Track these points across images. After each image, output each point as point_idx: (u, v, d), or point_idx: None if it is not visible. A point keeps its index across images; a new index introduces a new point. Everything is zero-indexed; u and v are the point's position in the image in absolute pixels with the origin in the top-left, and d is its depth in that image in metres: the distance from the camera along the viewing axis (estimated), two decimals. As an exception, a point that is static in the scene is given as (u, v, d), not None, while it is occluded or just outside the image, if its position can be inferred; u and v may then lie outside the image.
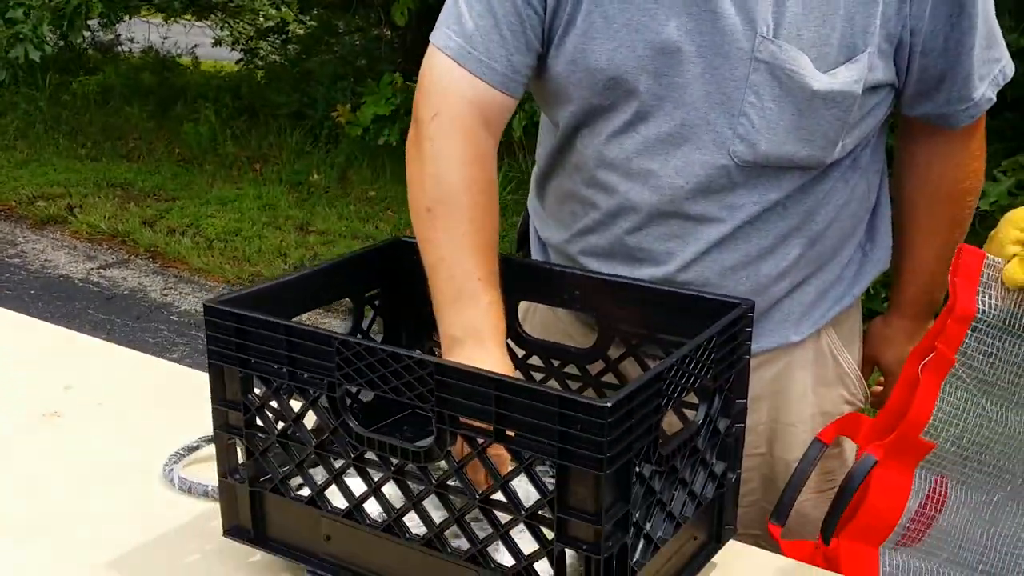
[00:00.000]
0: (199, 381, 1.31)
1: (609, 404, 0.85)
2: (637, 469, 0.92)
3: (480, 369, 0.93)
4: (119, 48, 11.36)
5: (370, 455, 1.02)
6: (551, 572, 0.93)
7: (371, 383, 0.98)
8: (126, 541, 1.20)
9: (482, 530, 0.97)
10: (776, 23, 1.19)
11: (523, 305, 1.39)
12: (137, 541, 1.20)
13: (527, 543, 0.94)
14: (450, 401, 0.93)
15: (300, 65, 9.85)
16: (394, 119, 6.61)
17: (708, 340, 1.01)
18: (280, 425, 1.08)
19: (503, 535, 0.95)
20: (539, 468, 0.94)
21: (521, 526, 0.94)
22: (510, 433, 0.91)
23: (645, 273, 1.31)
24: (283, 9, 11.77)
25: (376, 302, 1.32)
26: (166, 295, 4.79)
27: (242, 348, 1.06)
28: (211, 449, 1.15)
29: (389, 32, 8.11)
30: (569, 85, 1.28)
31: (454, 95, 1.25)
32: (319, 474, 1.09)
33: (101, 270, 5.09)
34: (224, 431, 1.11)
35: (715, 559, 1.14)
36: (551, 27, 1.26)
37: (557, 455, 0.88)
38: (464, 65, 1.25)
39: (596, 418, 0.85)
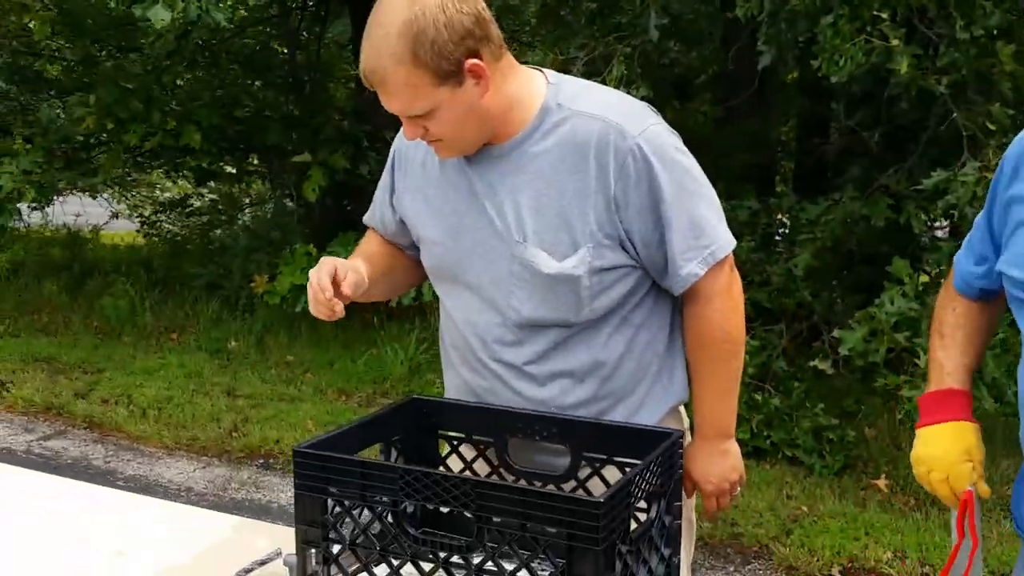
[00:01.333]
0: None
1: (601, 500, 1.29)
2: (618, 548, 1.35)
3: (507, 484, 1.36)
4: (19, 223, 11.59)
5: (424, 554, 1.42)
6: (562, 623, 1.34)
7: (426, 498, 1.40)
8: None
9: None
10: (524, 233, 1.73)
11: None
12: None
13: (542, 606, 1.35)
14: (486, 507, 1.36)
15: (208, 237, 10.29)
16: (311, 287, 7.03)
17: (656, 458, 1.47)
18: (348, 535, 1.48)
19: (526, 600, 1.36)
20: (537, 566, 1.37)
21: (539, 593, 1.35)
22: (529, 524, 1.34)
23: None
24: (179, 183, 12.25)
25: (399, 444, 1.74)
26: (109, 463, 5.03)
27: (325, 481, 1.47)
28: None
29: (298, 206, 8.63)
30: None
31: None
32: (380, 572, 1.48)
33: (42, 441, 5.30)
34: (305, 544, 1.50)
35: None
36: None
37: (566, 538, 1.31)
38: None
39: (593, 509, 1.29)
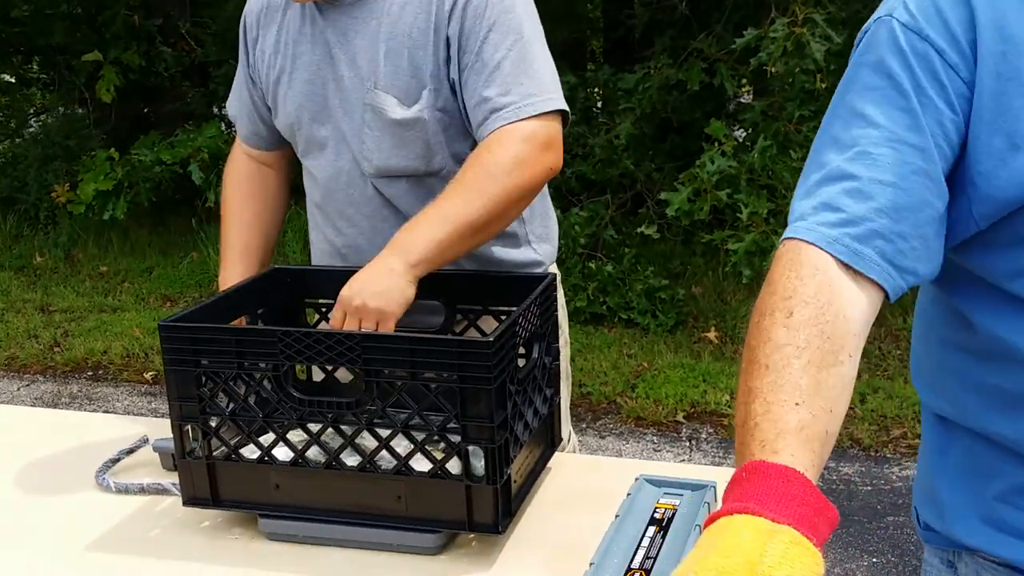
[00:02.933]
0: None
1: (491, 339, 1.28)
2: (507, 388, 1.35)
3: (394, 335, 1.33)
4: None
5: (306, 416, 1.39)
6: (460, 466, 1.34)
7: (309, 358, 1.36)
8: (89, 535, 1.48)
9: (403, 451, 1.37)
10: (375, 79, 1.69)
11: None
12: (99, 531, 1.49)
13: (437, 454, 1.35)
14: (374, 360, 1.33)
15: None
16: (118, 193, 6.68)
17: (533, 301, 1.47)
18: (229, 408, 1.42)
19: (421, 448, 1.35)
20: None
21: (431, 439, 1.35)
22: (421, 372, 1.32)
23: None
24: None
25: (264, 316, 1.68)
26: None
27: (196, 353, 1.40)
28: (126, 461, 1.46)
29: (92, 110, 8.10)
30: None
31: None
32: (263, 442, 1.44)
33: None
34: (181, 421, 1.44)
35: (550, 463, 1.59)
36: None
37: (458, 381, 1.30)
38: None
39: (485, 350, 1.28)
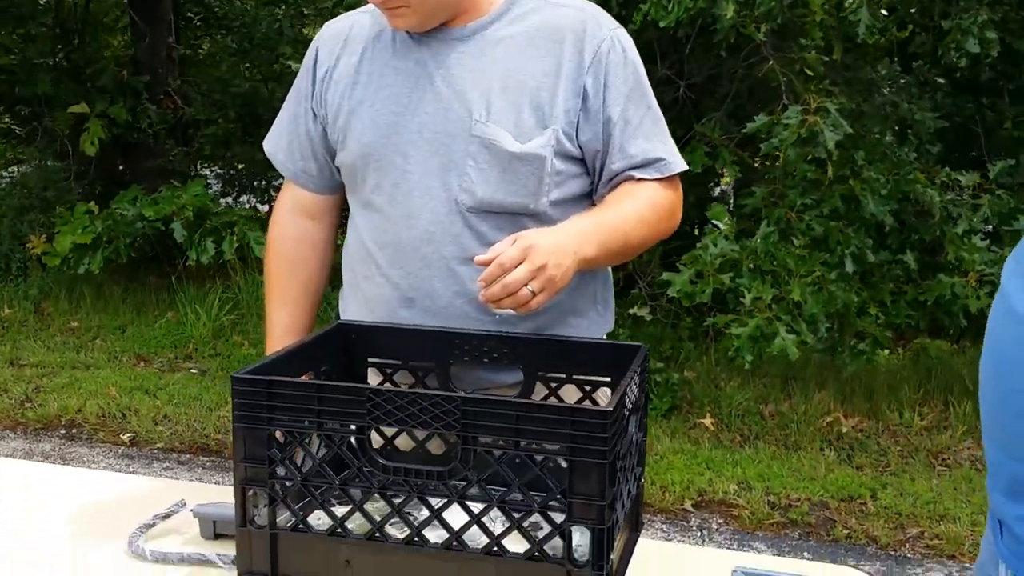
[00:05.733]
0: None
1: (609, 409, 1.17)
2: (618, 464, 1.24)
3: (497, 398, 1.22)
4: None
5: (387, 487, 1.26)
6: (561, 548, 1.22)
7: (401, 421, 1.24)
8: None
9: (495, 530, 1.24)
10: (487, 112, 1.63)
11: None
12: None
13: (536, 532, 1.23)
14: (473, 426, 1.21)
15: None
16: (96, 247, 6.50)
17: (633, 373, 1.37)
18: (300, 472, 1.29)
19: (519, 526, 1.23)
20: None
21: (532, 517, 1.22)
22: (525, 442, 1.20)
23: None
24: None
25: (326, 375, 1.55)
26: None
27: (271, 409, 1.28)
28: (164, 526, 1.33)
29: (72, 162, 7.94)
30: None
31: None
32: (339, 512, 1.30)
33: None
34: (246, 484, 1.30)
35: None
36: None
37: (569, 453, 1.18)
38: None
39: (601, 420, 1.17)
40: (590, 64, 1.64)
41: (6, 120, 9.21)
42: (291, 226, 1.88)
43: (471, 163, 1.64)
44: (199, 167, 8.76)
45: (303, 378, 1.47)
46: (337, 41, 1.76)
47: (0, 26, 8.46)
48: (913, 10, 5.77)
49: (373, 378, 1.64)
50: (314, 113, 1.78)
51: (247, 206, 8.23)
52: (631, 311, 5.49)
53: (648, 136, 1.69)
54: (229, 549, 1.40)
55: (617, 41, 1.68)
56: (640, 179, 1.68)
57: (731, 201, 7.03)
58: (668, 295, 4.73)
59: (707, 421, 4.72)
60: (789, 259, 4.66)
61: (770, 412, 4.84)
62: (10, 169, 9.11)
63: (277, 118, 1.86)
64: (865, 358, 4.66)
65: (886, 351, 5.22)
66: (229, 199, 8.62)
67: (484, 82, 1.64)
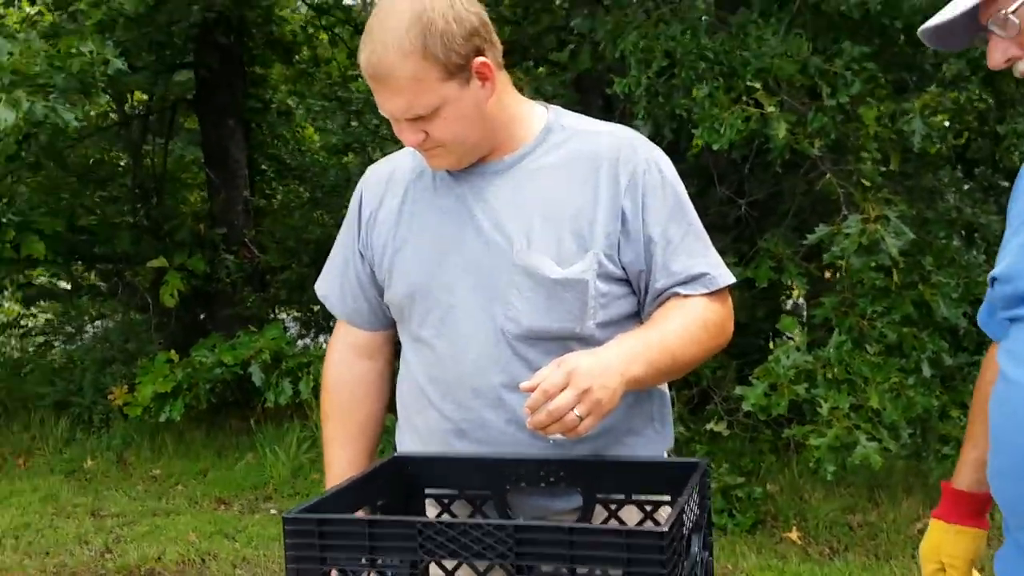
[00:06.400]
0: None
1: (665, 529, 1.14)
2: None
3: (550, 524, 1.20)
4: None
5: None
6: None
7: (453, 552, 1.22)
8: None
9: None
10: (528, 241, 1.65)
11: None
12: None
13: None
14: (528, 554, 1.19)
15: (48, 356, 9.66)
16: (176, 394, 6.64)
17: (691, 490, 1.34)
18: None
19: (580, 658, 1.19)
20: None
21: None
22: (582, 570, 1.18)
23: None
24: (6, 305, 11.52)
25: (382, 509, 1.55)
26: (-34, 600, 4.50)
27: (324, 548, 1.27)
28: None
29: (153, 315, 8.20)
30: None
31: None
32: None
33: None
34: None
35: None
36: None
37: (626, 578, 1.15)
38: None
39: (657, 541, 1.14)
40: (627, 187, 1.67)
41: (89, 277, 9.59)
42: (347, 370, 1.90)
43: (515, 292, 1.66)
44: (276, 311, 8.97)
45: (357, 514, 1.47)
46: (380, 184, 1.82)
47: (83, 189, 8.89)
48: (970, 117, 5.78)
49: (431, 510, 1.63)
50: (361, 255, 1.83)
51: (323, 345, 8.37)
52: (708, 427, 5.40)
53: (691, 253, 1.69)
54: None
55: (653, 163, 1.70)
56: (687, 295, 1.67)
57: (804, 314, 6.97)
58: (744, 409, 4.66)
59: (793, 535, 4.57)
60: (864, 367, 4.57)
61: (858, 522, 4.67)
62: (94, 323, 9.44)
63: (328, 260, 1.91)
64: (950, 461, 4.49)
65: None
66: (307, 339, 8.81)
67: (524, 213, 1.67)
